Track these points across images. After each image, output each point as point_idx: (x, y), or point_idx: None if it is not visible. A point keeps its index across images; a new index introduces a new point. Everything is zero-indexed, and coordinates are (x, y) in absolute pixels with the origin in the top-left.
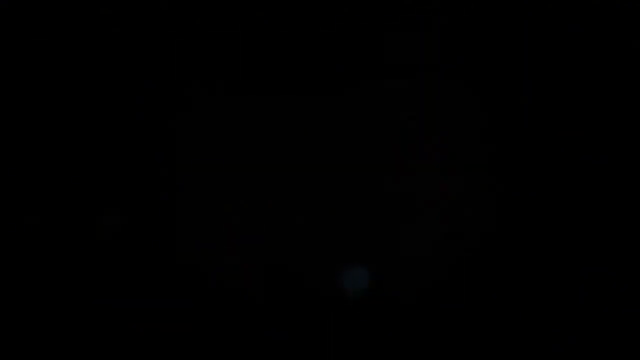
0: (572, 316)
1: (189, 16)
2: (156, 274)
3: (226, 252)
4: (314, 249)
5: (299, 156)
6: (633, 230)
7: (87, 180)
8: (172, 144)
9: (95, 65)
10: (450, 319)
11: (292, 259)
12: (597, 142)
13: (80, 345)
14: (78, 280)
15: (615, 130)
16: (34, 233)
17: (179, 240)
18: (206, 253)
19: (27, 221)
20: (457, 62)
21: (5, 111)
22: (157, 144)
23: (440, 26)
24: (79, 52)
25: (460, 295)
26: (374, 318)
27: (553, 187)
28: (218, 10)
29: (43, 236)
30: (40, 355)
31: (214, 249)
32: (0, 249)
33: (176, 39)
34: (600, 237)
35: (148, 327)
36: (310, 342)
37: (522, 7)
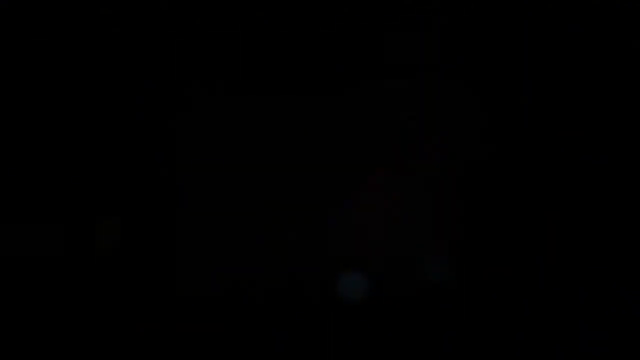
0: (572, 316)
1: (189, 16)
2: (155, 273)
3: (226, 252)
4: (313, 249)
5: (299, 156)
6: (633, 230)
7: (87, 180)
8: (172, 144)
9: (95, 66)
10: (450, 319)
11: (292, 259)
12: (597, 142)
13: (80, 345)
14: (77, 280)
15: (615, 130)
16: (33, 234)
17: (178, 240)
18: (206, 253)
19: (26, 222)
20: (457, 62)
21: (4, 111)
22: (157, 144)
23: (440, 26)
24: (79, 53)
25: (460, 295)
26: (373, 318)
27: (553, 187)
28: (218, 10)
29: (43, 236)
30: (40, 355)
31: (213, 249)
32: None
33: (176, 39)
34: (600, 237)
35: (148, 327)
36: (310, 342)
37: (522, 7)
